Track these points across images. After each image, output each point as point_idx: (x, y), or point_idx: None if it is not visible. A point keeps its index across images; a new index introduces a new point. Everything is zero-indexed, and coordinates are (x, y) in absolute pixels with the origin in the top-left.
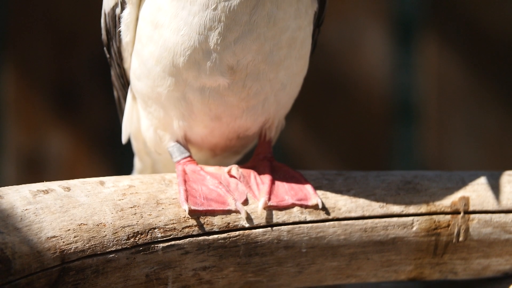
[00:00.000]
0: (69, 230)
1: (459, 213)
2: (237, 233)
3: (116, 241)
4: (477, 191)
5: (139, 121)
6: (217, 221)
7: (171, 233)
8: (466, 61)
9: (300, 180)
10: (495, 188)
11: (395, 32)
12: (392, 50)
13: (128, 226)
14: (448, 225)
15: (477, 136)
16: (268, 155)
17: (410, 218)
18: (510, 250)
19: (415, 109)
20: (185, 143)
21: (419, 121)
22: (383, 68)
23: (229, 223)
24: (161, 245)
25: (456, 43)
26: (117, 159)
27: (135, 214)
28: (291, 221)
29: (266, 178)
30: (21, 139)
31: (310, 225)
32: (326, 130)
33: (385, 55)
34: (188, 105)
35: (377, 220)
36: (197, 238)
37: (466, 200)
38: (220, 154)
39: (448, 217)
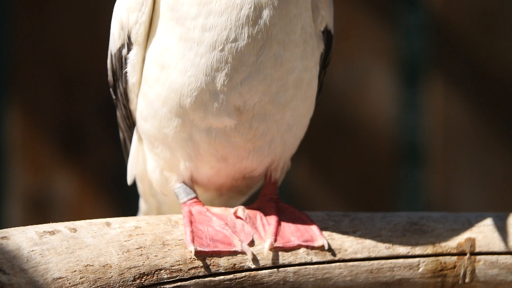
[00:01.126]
0: (75, 271)
1: (465, 254)
2: (243, 274)
3: (122, 282)
4: (483, 233)
5: (145, 163)
6: (223, 262)
7: (177, 274)
8: (472, 102)
9: (306, 221)
10: (501, 229)
11: (401, 73)
12: (398, 91)
13: (134, 267)
14: (454, 267)
15: (483, 177)
16: (274, 196)
17: (416, 259)
18: None
19: (421, 150)
20: (191, 184)
21: (425, 162)
22: (389, 109)
23: (235, 264)
24: (167, 286)
25: (462, 84)
26: (123, 200)
27: (141, 255)
28: (297, 262)
29: (272, 219)
30: (27, 180)
31: (316, 266)
32: (332, 171)
33: (391, 96)
34: (194, 146)
35: (383, 261)
36: (203, 279)
37: (472, 242)
38: (226, 194)
39: (454, 258)
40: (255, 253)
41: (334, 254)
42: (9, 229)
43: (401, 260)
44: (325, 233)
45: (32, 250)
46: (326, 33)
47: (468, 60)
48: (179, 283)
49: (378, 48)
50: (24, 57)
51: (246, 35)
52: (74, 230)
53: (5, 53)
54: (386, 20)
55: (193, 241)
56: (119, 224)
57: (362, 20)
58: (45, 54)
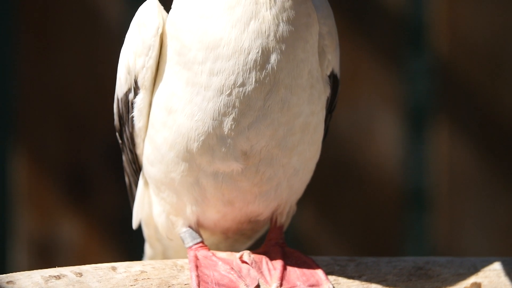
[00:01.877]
0: None
1: None
2: None
3: None
4: (489, 277)
5: (150, 207)
6: None
7: None
8: (477, 148)
9: (311, 265)
10: (508, 274)
11: (406, 118)
12: (404, 136)
13: None
14: None
15: (489, 222)
16: (279, 240)
17: None
18: None
19: (427, 194)
20: (197, 228)
21: (431, 206)
22: (394, 153)
23: None
24: None
25: (468, 129)
26: (129, 245)
27: None
28: None
29: (278, 263)
30: (33, 224)
31: None
32: (337, 215)
33: (396, 141)
34: (201, 190)
35: None
36: None
37: (478, 286)
38: (232, 238)
39: None
40: None
41: None
42: (15, 273)
43: None
44: (331, 278)
45: None
46: (333, 78)
47: (474, 105)
48: None
49: (384, 92)
50: (29, 101)
51: (253, 80)
52: (80, 274)
53: (11, 96)
54: (392, 64)
55: (199, 286)
56: (125, 269)
57: (368, 64)
58: (50, 98)
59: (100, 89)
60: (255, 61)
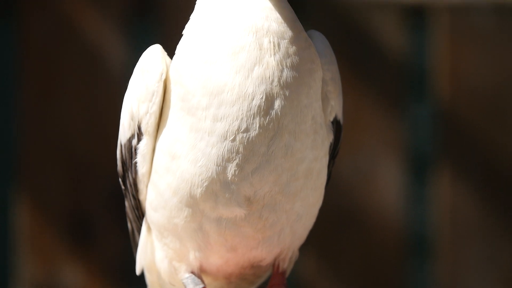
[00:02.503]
0: None
1: None
2: None
3: None
4: None
5: (153, 253)
6: None
7: None
8: (479, 194)
9: None
10: None
11: (408, 164)
12: (406, 182)
13: None
14: None
15: (492, 269)
16: (282, 286)
17: None
18: None
19: (429, 241)
20: (200, 273)
21: (433, 253)
22: (396, 200)
23: None
24: None
25: (470, 176)
26: None
27: None
28: None
29: None
30: (35, 269)
31: None
32: (339, 261)
33: (398, 187)
34: (204, 236)
35: None
36: None
37: None
38: (234, 282)
39: None
40: None
41: None
42: None
43: None
44: None
45: None
46: (336, 123)
47: (476, 151)
48: None
49: (386, 138)
50: (32, 146)
51: (257, 125)
52: None
53: (13, 141)
54: (394, 110)
55: None
56: None
57: (370, 110)
58: (53, 143)
59: (102, 135)
60: (259, 106)
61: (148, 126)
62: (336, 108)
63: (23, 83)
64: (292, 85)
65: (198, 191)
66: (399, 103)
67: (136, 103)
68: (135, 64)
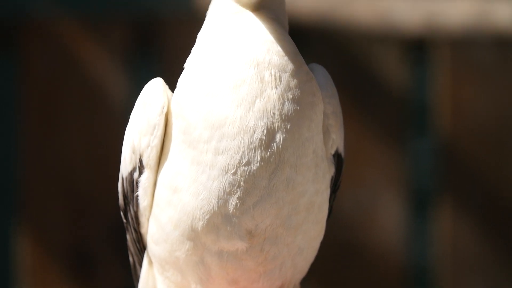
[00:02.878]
0: None
1: None
2: None
3: None
4: None
5: (155, 286)
6: None
7: None
8: (481, 229)
9: None
10: None
11: (410, 198)
12: (407, 216)
13: None
14: None
15: None
16: None
17: None
18: None
19: (430, 275)
20: None
21: (435, 287)
22: (398, 234)
23: None
24: None
25: (471, 210)
26: None
27: None
28: None
29: None
30: None
31: None
32: None
33: (400, 221)
34: (206, 269)
35: None
36: None
37: None
38: None
39: None
40: None
41: None
42: None
43: None
44: None
45: None
46: (337, 157)
47: (478, 186)
48: None
49: (387, 172)
50: (33, 179)
51: (259, 159)
52: None
53: (14, 174)
54: (396, 144)
55: None
56: None
57: (372, 144)
58: (54, 176)
59: (103, 168)
60: (261, 140)
61: (149, 160)
62: (337, 141)
63: (24, 117)
64: (293, 118)
65: (199, 224)
66: (401, 137)
67: (138, 136)
68: (136, 98)
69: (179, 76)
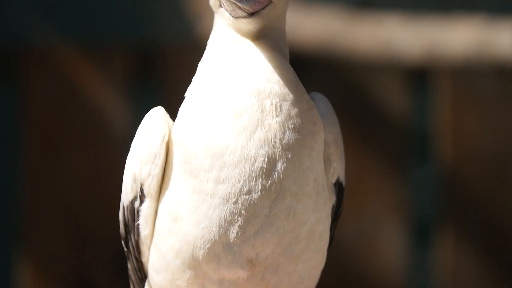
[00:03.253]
0: None
1: None
2: None
3: None
4: None
5: None
6: None
7: None
8: (482, 258)
9: None
10: None
11: (411, 227)
12: (409, 245)
13: None
14: None
15: None
16: None
17: None
18: None
19: None
20: None
21: None
22: (399, 262)
23: None
24: None
25: (473, 239)
26: None
27: None
28: None
29: None
30: None
31: None
32: None
33: (401, 250)
34: None
35: None
36: None
37: None
38: None
39: None
40: None
41: None
42: None
43: None
44: None
45: None
46: (338, 186)
47: (479, 214)
48: None
49: (389, 201)
50: (34, 208)
51: (259, 187)
52: None
53: (15, 203)
54: (397, 173)
55: None
56: None
57: (373, 172)
58: (55, 205)
59: (104, 197)
60: (261, 169)
61: (150, 188)
62: (338, 170)
63: (26, 146)
64: (294, 147)
65: (200, 253)
66: (402, 166)
67: (139, 165)
68: (138, 126)
69: (180, 105)
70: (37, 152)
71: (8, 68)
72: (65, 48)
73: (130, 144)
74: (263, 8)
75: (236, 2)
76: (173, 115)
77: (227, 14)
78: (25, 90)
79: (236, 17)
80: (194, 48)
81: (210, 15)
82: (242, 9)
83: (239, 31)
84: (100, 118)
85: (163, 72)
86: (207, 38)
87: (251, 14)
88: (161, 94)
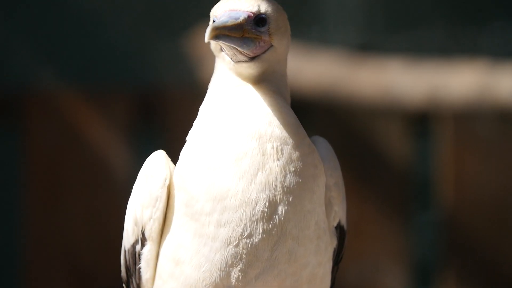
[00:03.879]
0: None
1: None
2: None
3: None
4: None
5: None
6: None
7: None
8: None
9: None
10: None
11: (412, 271)
12: None
13: None
14: None
15: None
16: None
17: None
18: None
19: None
20: None
21: None
22: None
23: None
24: None
25: (474, 283)
26: None
27: None
28: None
29: None
30: None
31: None
32: None
33: None
34: None
35: None
36: None
37: None
38: None
39: None
40: None
41: None
42: None
43: None
44: None
45: None
46: (339, 229)
47: (480, 259)
48: None
49: (390, 245)
50: (36, 253)
51: (261, 231)
52: None
53: (18, 248)
54: (398, 217)
55: None
56: None
57: (374, 217)
58: (57, 251)
59: (105, 241)
60: (262, 212)
61: (151, 232)
62: (339, 213)
63: (28, 190)
64: (295, 191)
65: None
66: (403, 210)
67: (140, 209)
68: (139, 171)
69: (181, 149)
70: (38, 196)
71: (10, 113)
72: (67, 92)
73: (131, 188)
74: (264, 52)
75: (236, 47)
76: (174, 159)
77: (228, 59)
78: (27, 135)
79: (237, 62)
80: (195, 92)
81: (211, 59)
82: (243, 54)
83: (240, 75)
84: (102, 162)
85: (165, 116)
86: (208, 82)
87: (252, 58)
88: (163, 138)
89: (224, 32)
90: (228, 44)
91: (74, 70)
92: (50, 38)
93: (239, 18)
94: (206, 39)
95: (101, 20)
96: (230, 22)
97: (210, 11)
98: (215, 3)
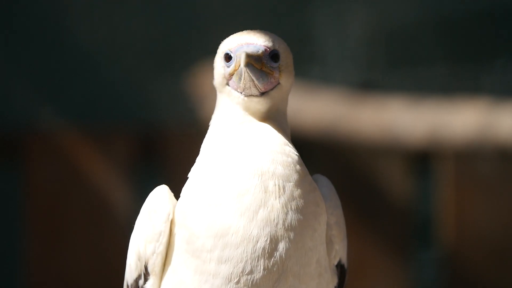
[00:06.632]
0: None
1: None
2: None
3: None
4: None
5: None
6: None
7: None
8: None
9: None
10: None
11: None
12: None
13: None
14: None
15: None
16: None
17: None
18: None
19: None
20: None
21: None
22: None
23: None
24: None
25: None
26: None
27: None
28: None
29: None
30: None
31: None
32: None
33: None
34: None
35: None
36: None
37: None
38: None
39: None
40: None
41: None
42: None
43: None
44: None
45: None
46: (340, 268)
47: None
48: None
49: (391, 283)
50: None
51: (262, 268)
52: None
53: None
54: (399, 256)
55: None
56: None
57: (375, 255)
58: (59, 285)
59: (107, 278)
60: (264, 249)
61: (154, 266)
62: (340, 252)
63: (29, 228)
64: (296, 228)
65: None
66: (404, 249)
67: (143, 244)
68: (140, 208)
69: (182, 187)
70: (41, 235)
71: (11, 152)
72: (68, 131)
73: (133, 226)
74: (272, 89)
75: (255, 79)
76: (175, 197)
77: (236, 93)
78: (29, 174)
79: (248, 96)
80: (196, 131)
81: (212, 98)
82: (257, 87)
83: (247, 109)
84: (103, 200)
85: (166, 155)
86: (209, 121)
87: (261, 94)
88: (163, 176)
89: (251, 61)
90: (252, 74)
91: (75, 109)
92: (51, 77)
93: (259, 51)
94: (243, 64)
95: (102, 59)
96: (260, 51)
97: (211, 50)
98: (216, 43)
